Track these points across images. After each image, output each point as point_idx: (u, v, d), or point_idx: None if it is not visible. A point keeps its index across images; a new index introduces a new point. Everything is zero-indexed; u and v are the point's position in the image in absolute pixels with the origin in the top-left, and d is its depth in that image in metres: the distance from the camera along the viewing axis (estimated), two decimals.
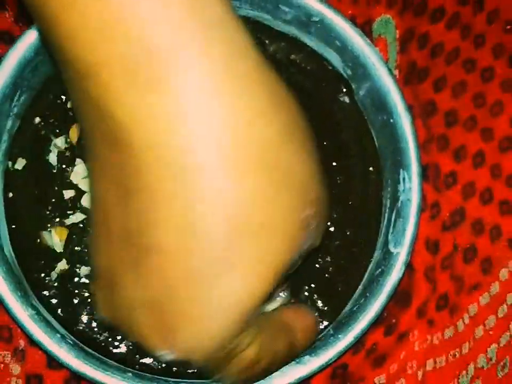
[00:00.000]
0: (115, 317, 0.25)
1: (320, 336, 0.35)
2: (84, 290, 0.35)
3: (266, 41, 0.37)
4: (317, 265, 0.36)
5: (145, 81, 0.20)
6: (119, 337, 0.35)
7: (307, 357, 0.34)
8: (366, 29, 0.39)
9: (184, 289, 0.22)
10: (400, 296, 0.37)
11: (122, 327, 0.25)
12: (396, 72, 0.39)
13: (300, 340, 0.29)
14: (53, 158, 0.35)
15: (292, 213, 0.23)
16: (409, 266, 0.36)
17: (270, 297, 0.24)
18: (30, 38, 0.33)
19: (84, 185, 0.35)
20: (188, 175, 0.21)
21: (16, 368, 0.36)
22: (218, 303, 0.22)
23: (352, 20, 0.38)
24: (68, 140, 0.35)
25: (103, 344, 0.35)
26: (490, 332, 0.37)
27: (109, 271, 0.24)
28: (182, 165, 0.21)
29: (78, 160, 0.35)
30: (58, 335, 0.33)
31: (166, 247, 0.22)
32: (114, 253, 0.23)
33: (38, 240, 0.35)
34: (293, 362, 0.34)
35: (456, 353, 0.37)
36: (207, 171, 0.21)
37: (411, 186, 0.35)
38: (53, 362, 0.35)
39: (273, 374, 0.33)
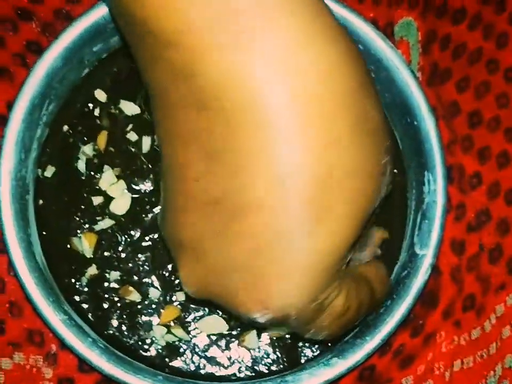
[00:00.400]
0: (205, 287, 0.25)
1: (346, 338, 0.35)
2: (113, 294, 0.35)
3: None
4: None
5: (232, 40, 0.21)
6: (148, 341, 0.35)
7: (335, 359, 0.34)
8: (387, 31, 0.39)
9: (276, 247, 0.22)
10: (426, 297, 0.37)
11: (213, 296, 0.25)
12: (419, 74, 0.39)
13: (378, 291, 0.30)
14: (81, 165, 0.36)
15: (374, 160, 0.23)
16: (435, 268, 0.36)
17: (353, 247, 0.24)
18: (57, 48, 0.34)
19: (112, 191, 0.35)
20: (279, 130, 0.21)
21: (48, 372, 0.36)
22: (309, 257, 0.23)
23: (374, 23, 0.39)
24: (96, 147, 0.36)
25: (133, 347, 0.35)
26: None
27: (196, 240, 0.24)
28: (274, 121, 0.21)
29: (106, 167, 0.36)
30: (90, 339, 0.33)
31: (259, 205, 0.22)
32: (202, 220, 0.23)
33: (68, 246, 0.36)
34: (321, 364, 0.34)
35: (484, 353, 0.37)
36: (297, 125, 0.21)
37: (436, 188, 0.35)
38: (84, 366, 0.36)
39: (301, 376, 0.34)
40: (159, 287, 0.36)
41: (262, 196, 0.22)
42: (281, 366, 0.36)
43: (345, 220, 0.23)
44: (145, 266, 0.36)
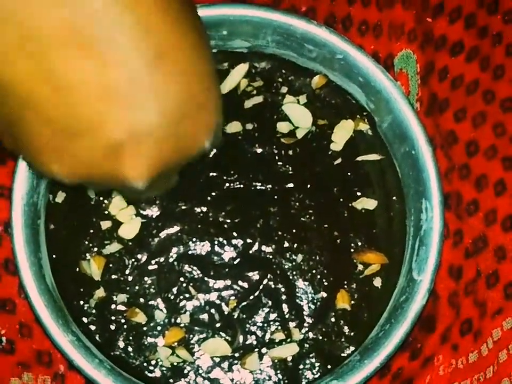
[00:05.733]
0: (68, 167, 0.23)
1: (346, 361, 0.36)
2: (120, 316, 0.36)
3: (292, 77, 0.39)
4: (343, 292, 0.37)
5: None
6: (153, 362, 0.36)
7: (334, 382, 0.35)
8: (388, 63, 0.40)
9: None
10: (424, 321, 0.38)
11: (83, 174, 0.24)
12: (417, 104, 0.40)
13: None
14: (91, 191, 0.37)
15: None
16: (433, 293, 0.37)
17: None
18: None
19: (121, 216, 0.37)
20: None
21: None
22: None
23: (374, 55, 0.40)
24: None
25: (138, 368, 0.36)
26: None
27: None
28: None
29: (115, 193, 0.37)
30: (97, 360, 0.34)
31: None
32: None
33: (77, 269, 0.37)
34: None
35: (481, 377, 0.37)
36: None
37: (433, 215, 0.36)
38: None
39: None
40: (164, 309, 0.37)
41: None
42: None
43: None
44: (151, 289, 0.37)
